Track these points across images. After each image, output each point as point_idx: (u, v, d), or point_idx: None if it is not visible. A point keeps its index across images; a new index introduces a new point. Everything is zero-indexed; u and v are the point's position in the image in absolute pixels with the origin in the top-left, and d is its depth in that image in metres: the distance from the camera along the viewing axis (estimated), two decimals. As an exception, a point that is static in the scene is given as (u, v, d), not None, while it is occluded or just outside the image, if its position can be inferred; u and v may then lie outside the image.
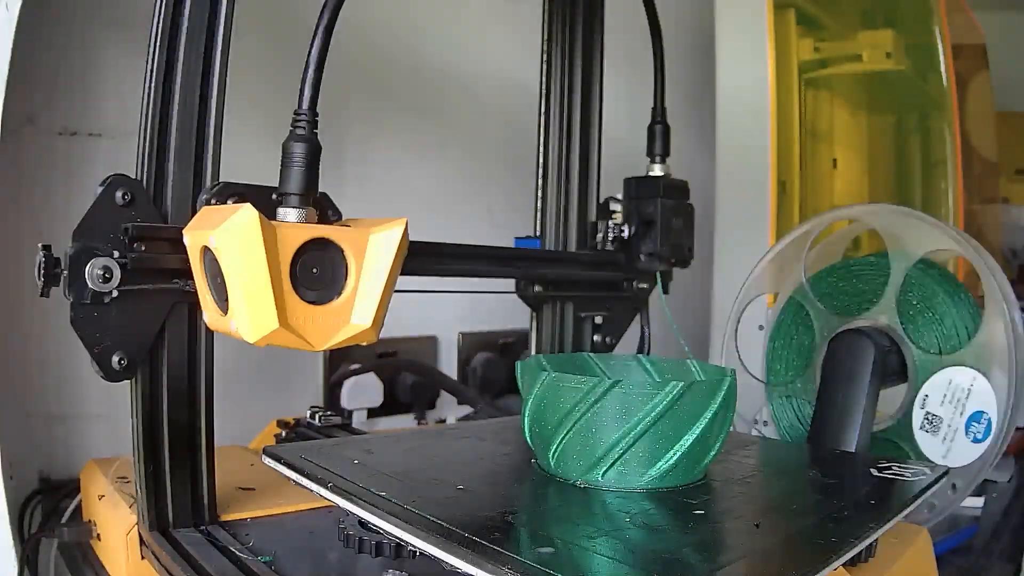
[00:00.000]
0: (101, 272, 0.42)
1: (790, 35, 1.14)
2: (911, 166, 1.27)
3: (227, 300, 0.40)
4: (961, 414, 0.60)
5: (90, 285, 0.42)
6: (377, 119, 0.98)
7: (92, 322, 0.43)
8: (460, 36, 1.08)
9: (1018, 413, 0.58)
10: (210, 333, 0.48)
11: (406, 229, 0.44)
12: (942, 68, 1.15)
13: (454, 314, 1.07)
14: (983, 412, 0.60)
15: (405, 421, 0.98)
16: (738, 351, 0.73)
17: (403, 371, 0.98)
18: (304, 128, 0.43)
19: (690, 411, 0.40)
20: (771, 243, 0.95)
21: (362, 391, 0.91)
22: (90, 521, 0.54)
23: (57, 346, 0.74)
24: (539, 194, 0.75)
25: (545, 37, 0.75)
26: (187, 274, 0.44)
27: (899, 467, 0.47)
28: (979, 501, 0.83)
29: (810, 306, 0.69)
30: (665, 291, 0.73)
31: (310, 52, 0.43)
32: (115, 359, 0.44)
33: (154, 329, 0.45)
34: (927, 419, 0.61)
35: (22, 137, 0.69)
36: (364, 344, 0.44)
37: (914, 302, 0.64)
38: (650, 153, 0.73)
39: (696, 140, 1.20)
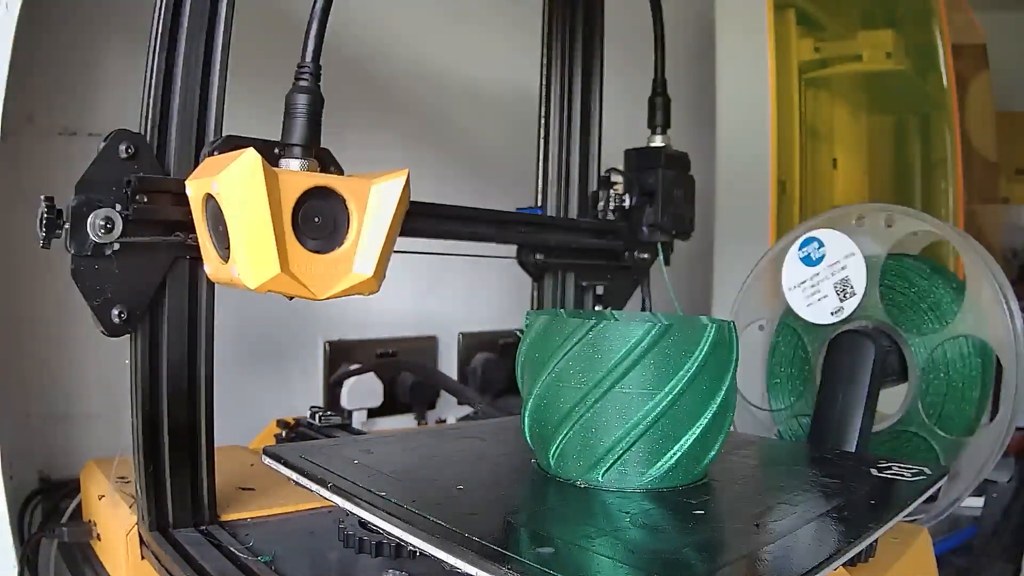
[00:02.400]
0: (103, 223, 0.42)
1: (790, 35, 1.14)
2: (911, 166, 1.26)
3: (228, 248, 0.40)
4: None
5: (91, 236, 0.42)
6: (376, 118, 0.98)
7: (92, 274, 0.43)
8: (460, 32, 1.08)
9: (1021, 411, 0.58)
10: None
11: (407, 180, 0.44)
12: (942, 68, 1.15)
13: (454, 314, 1.07)
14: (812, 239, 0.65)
15: (405, 421, 0.98)
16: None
17: (403, 371, 0.98)
18: (307, 80, 0.44)
19: (690, 410, 0.40)
20: (771, 243, 0.95)
21: (362, 391, 0.91)
22: (90, 521, 0.54)
23: (57, 346, 0.75)
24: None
25: (546, 18, 0.75)
26: (189, 227, 0.44)
27: (899, 467, 0.47)
28: (979, 501, 0.83)
29: (798, 325, 0.69)
30: (666, 262, 0.73)
31: (314, 5, 0.43)
32: (115, 312, 0.44)
33: (155, 283, 0.45)
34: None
35: (22, 137, 0.69)
36: (366, 295, 0.45)
37: (898, 293, 0.64)
38: (651, 124, 0.73)
39: (696, 140, 1.20)
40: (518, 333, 0.46)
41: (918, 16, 1.17)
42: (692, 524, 0.37)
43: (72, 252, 0.42)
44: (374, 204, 0.44)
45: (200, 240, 0.44)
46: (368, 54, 0.97)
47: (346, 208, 0.43)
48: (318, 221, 0.42)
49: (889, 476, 0.45)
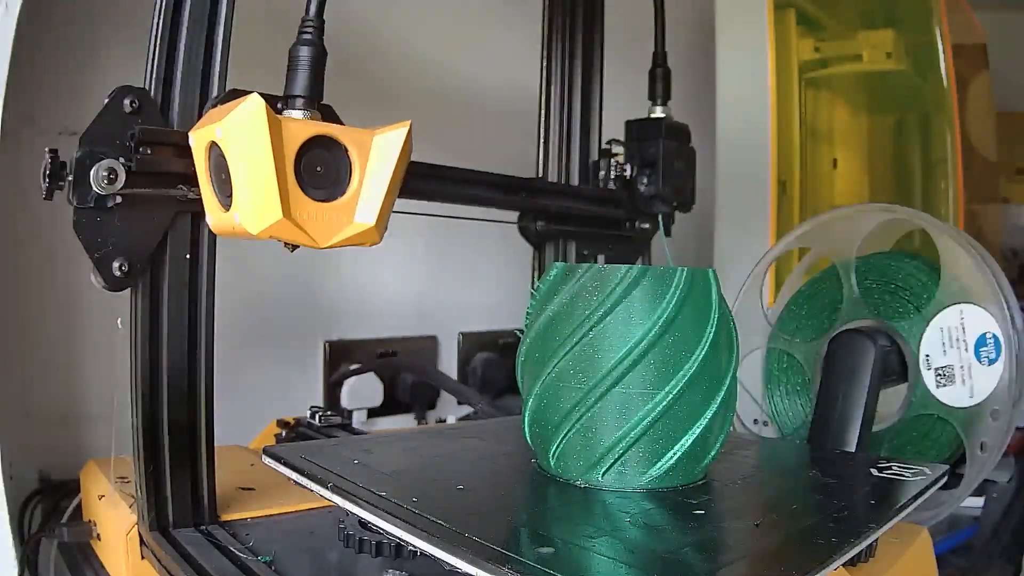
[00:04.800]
0: (106, 174, 0.42)
1: (790, 35, 1.13)
2: (911, 166, 1.26)
3: (231, 196, 0.40)
4: (967, 349, 0.61)
5: (94, 188, 0.42)
6: (375, 116, 0.98)
7: (94, 227, 0.43)
8: (460, 31, 1.08)
9: (1020, 411, 0.58)
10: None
11: (409, 132, 0.45)
12: (942, 68, 1.15)
13: (454, 314, 1.07)
14: (984, 333, 0.60)
15: (405, 421, 0.98)
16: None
17: (403, 371, 0.98)
18: (311, 33, 0.44)
19: (690, 410, 0.40)
20: (771, 243, 0.95)
21: (362, 391, 0.91)
22: (90, 521, 0.54)
23: (57, 346, 0.75)
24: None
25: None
26: (192, 180, 0.44)
27: (899, 467, 0.47)
28: (979, 501, 0.83)
29: (788, 347, 0.69)
30: (667, 233, 0.74)
31: None
32: (115, 265, 0.44)
33: (156, 236, 0.45)
34: (939, 375, 0.62)
35: (22, 137, 0.69)
36: (368, 246, 0.45)
37: (874, 286, 0.65)
38: (651, 96, 0.74)
39: (696, 140, 1.20)
40: (518, 333, 0.46)
41: (918, 16, 1.17)
42: (692, 524, 0.37)
43: (74, 204, 0.42)
44: (376, 155, 0.44)
45: (202, 190, 0.44)
46: (364, 53, 0.97)
47: (348, 158, 0.44)
48: (320, 171, 0.43)
49: (889, 476, 0.46)
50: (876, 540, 0.44)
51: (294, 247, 0.44)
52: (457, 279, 1.08)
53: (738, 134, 1.12)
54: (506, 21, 1.11)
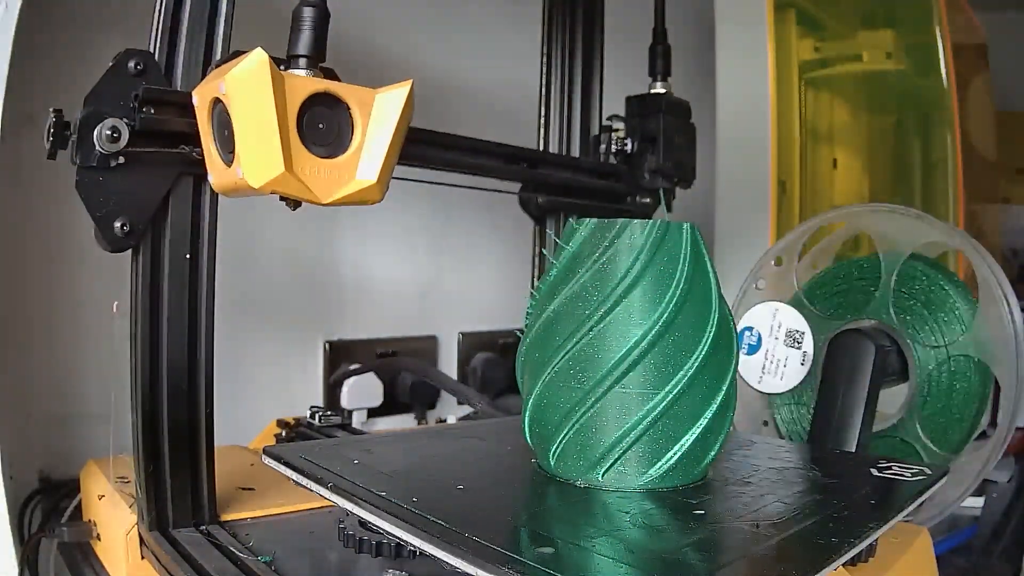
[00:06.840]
0: (109, 132, 0.42)
1: (790, 35, 1.14)
2: (911, 166, 1.26)
3: (233, 152, 0.41)
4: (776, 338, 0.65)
5: (98, 147, 0.42)
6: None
7: (97, 186, 0.43)
8: (459, 18, 1.08)
9: (1021, 410, 0.58)
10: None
11: (411, 91, 0.45)
12: (942, 68, 1.15)
13: (454, 314, 1.07)
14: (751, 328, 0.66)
15: (405, 421, 0.98)
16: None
17: (403, 371, 0.98)
18: None
19: (690, 410, 0.40)
20: (771, 243, 0.95)
21: (362, 391, 0.91)
22: (90, 521, 0.54)
23: (57, 346, 0.75)
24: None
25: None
26: (194, 140, 0.44)
27: (899, 467, 0.47)
28: (979, 501, 0.83)
29: (806, 314, 0.69)
30: (668, 209, 0.74)
31: None
32: (117, 224, 0.44)
33: (159, 196, 0.45)
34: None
35: (22, 137, 0.69)
36: (370, 203, 0.45)
37: (908, 298, 0.64)
38: (652, 73, 0.74)
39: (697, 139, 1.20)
40: (518, 333, 0.46)
41: (918, 16, 1.17)
42: (692, 524, 0.37)
43: (77, 163, 0.42)
44: (378, 113, 0.44)
45: (205, 148, 0.44)
46: (358, 34, 0.97)
47: (351, 116, 0.44)
48: (322, 127, 0.43)
49: (889, 476, 0.46)
50: (876, 540, 0.44)
51: (296, 205, 0.44)
52: (457, 279, 1.08)
53: (738, 134, 1.12)
54: (506, 11, 1.11)
